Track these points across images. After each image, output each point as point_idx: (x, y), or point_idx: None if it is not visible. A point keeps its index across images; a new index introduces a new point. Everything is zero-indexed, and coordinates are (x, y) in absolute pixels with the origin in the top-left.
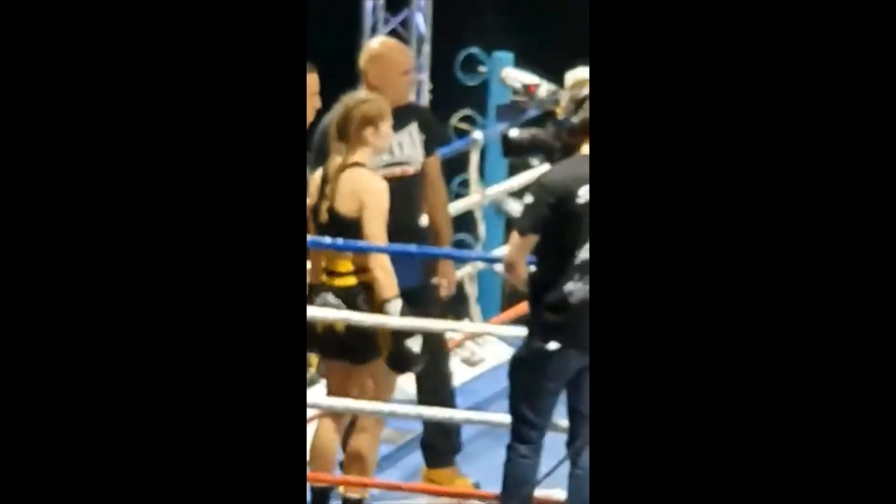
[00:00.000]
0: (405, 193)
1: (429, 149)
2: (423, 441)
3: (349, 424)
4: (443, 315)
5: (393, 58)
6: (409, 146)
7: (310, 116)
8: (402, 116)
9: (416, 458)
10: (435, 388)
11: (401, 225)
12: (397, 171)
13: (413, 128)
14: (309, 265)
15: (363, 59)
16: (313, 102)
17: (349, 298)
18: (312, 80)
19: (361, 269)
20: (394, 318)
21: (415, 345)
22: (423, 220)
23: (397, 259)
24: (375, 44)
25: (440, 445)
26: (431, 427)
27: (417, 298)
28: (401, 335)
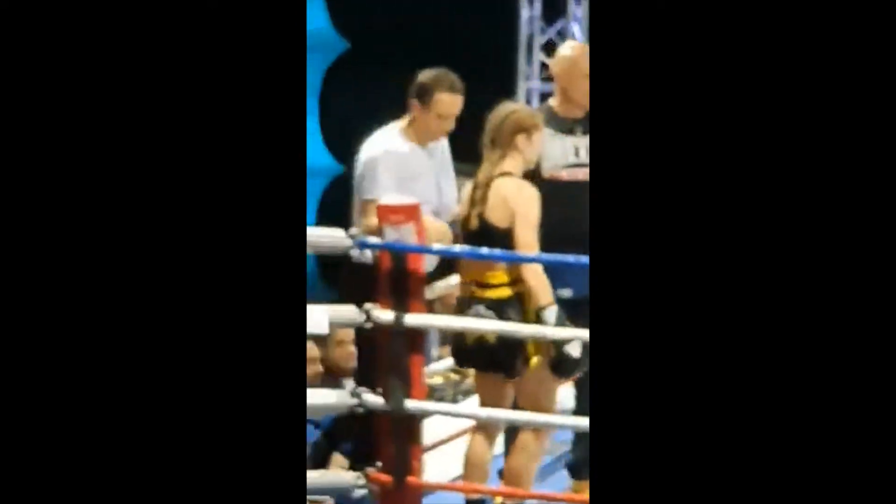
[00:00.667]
0: (583, 198)
1: None
2: (570, 452)
3: (509, 441)
4: None
5: (580, 61)
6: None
7: (440, 135)
8: (587, 121)
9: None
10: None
11: (578, 232)
12: (580, 173)
13: None
14: (460, 276)
15: (554, 63)
16: (447, 125)
17: (500, 310)
18: (455, 102)
19: (516, 280)
20: (549, 326)
21: (574, 350)
22: None
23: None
24: (566, 47)
25: (586, 457)
26: (581, 437)
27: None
28: (561, 342)
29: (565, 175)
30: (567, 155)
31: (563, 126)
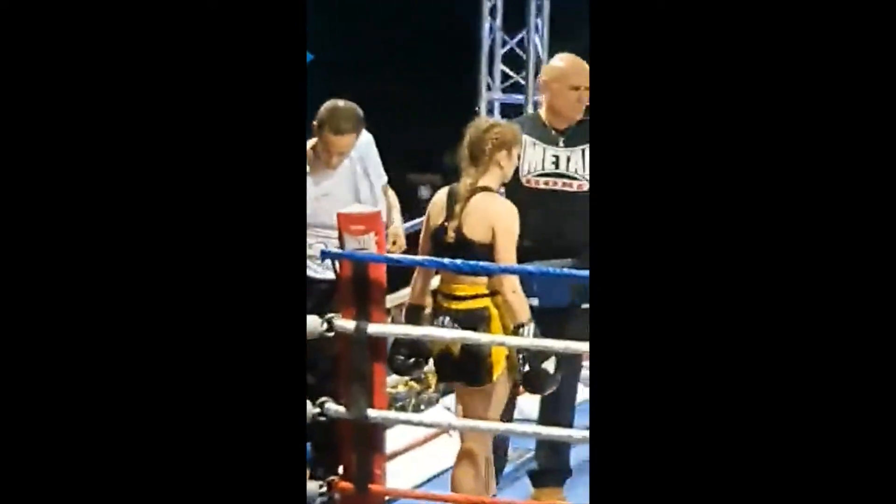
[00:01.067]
0: (560, 208)
1: None
2: (533, 459)
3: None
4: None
5: (569, 73)
6: (578, 163)
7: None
8: (577, 133)
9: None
10: (557, 408)
11: (552, 241)
12: (558, 183)
13: (587, 148)
14: (413, 286)
15: (543, 73)
16: (334, 161)
17: (467, 322)
18: (341, 143)
19: (491, 293)
20: (527, 339)
21: (550, 366)
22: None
23: (550, 278)
24: (557, 59)
25: (548, 465)
26: (542, 446)
27: (560, 319)
28: (537, 357)
29: (542, 183)
30: (546, 164)
31: (546, 136)
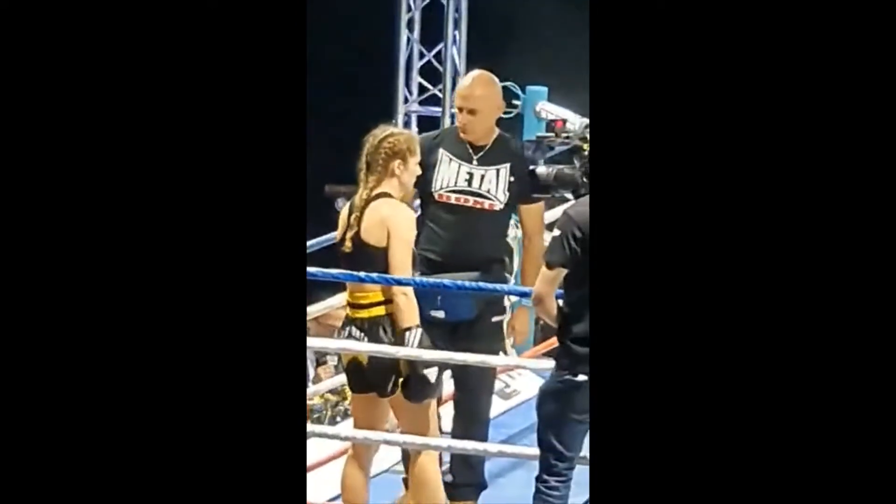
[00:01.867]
0: (470, 224)
1: (523, 194)
2: (448, 473)
3: (409, 459)
4: (494, 352)
5: (475, 90)
6: (491, 182)
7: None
8: (495, 152)
9: None
10: (472, 421)
11: (460, 255)
12: (470, 200)
13: (505, 168)
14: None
15: (457, 93)
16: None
17: (372, 330)
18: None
19: (388, 300)
20: (420, 349)
21: (431, 375)
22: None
23: (455, 293)
24: (467, 79)
25: (463, 480)
26: (456, 459)
27: (469, 332)
28: (418, 364)
29: (453, 199)
30: (459, 180)
31: (462, 152)
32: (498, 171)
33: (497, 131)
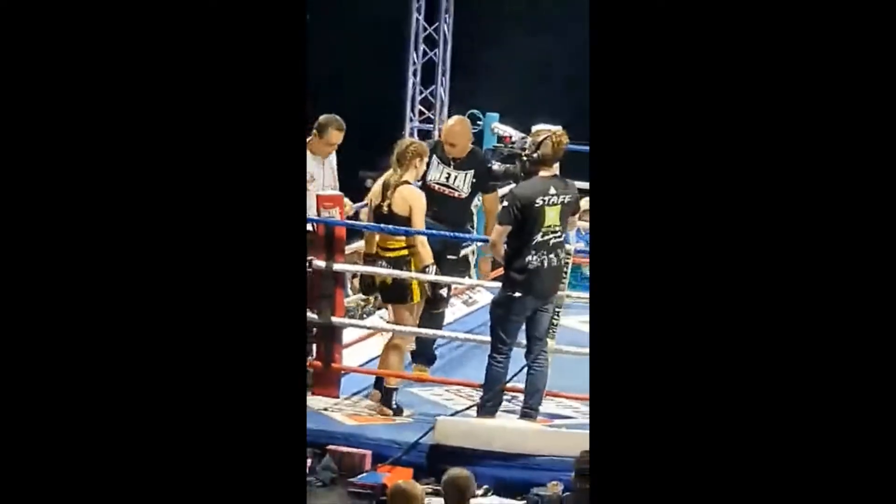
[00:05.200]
0: (446, 205)
1: (484, 188)
2: (414, 350)
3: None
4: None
5: (456, 127)
6: (460, 181)
7: (325, 155)
8: (466, 162)
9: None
10: (431, 319)
11: (439, 219)
12: (445, 190)
13: (470, 173)
14: (365, 241)
15: (444, 129)
16: (330, 150)
17: (397, 265)
18: (340, 136)
19: (409, 246)
20: (430, 276)
21: (444, 292)
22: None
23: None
24: (451, 121)
25: (421, 350)
26: (421, 340)
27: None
28: (436, 286)
29: (437, 188)
30: (442, 177)
31: (444, 159)
32: (466, 174)
33: (470, 147)
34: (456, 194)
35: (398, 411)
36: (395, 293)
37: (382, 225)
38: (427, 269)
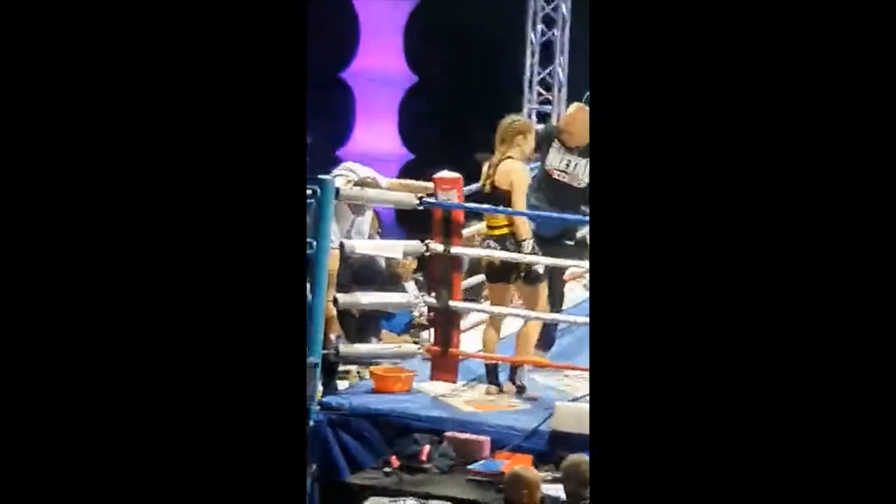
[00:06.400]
0: (564, 194)
1: None
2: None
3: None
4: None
5: (577, 115)
6: (580, 169)
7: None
8: (587, 150)
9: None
10: (554, 301)
11: (555, 208)
12: (564, 177)
13: (587, 160)
14: (477, 225)
15: (563, 117)
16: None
17: (502, 243)
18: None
19: (509, 224)
20: (526, 253)
21: (540, 268)
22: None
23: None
24: (570, 108)
25: (543, 337)
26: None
27: (558, 246)
28: (532, 263)
29: (556, 174)
30: (562, 163)
31: (565, 147)
32: (587, 161)
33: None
34: (575, 182)
35: (521, 389)
36: (502, 272)
37: (492, 207)
38: (524, 243)
